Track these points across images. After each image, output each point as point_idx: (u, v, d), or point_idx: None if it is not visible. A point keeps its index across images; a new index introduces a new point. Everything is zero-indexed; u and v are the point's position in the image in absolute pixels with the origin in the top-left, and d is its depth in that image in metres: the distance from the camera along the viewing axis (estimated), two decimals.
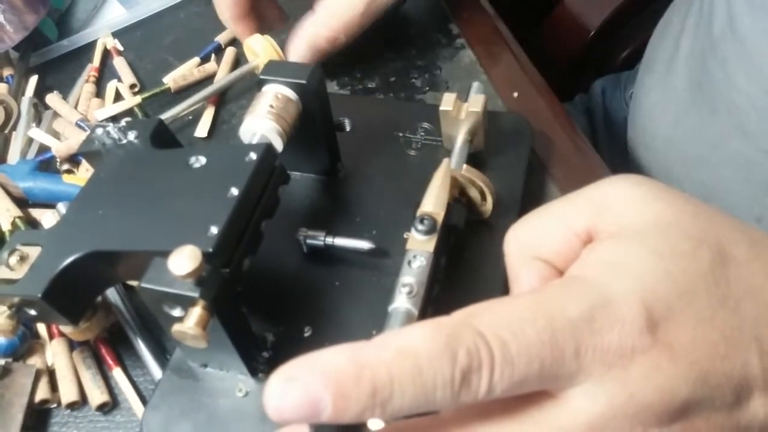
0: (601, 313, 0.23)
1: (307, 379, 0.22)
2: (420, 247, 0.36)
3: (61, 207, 0.47)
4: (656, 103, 0.62)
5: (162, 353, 0.42)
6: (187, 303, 0.32)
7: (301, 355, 0.23)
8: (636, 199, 0.27)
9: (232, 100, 0.56)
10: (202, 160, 0.37)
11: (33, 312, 0.36)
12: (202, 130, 0.53)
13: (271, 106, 0.39)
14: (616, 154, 0.73)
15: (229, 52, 0.58)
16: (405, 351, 0.22)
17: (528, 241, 0.30)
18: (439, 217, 0.37)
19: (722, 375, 0.23)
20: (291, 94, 0.40)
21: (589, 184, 0.29)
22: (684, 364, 0.23)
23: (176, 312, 0.33)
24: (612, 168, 0.70)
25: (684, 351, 0.23)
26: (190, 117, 0.55)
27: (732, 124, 0.51)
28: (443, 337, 0.22)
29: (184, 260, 0.30)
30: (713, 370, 0.23)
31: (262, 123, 0.39)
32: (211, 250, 0.32)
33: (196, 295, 0.31)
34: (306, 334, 0.39)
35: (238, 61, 0.59)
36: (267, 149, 0.37)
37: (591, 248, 0.27)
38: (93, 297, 0.39)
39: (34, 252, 0.37)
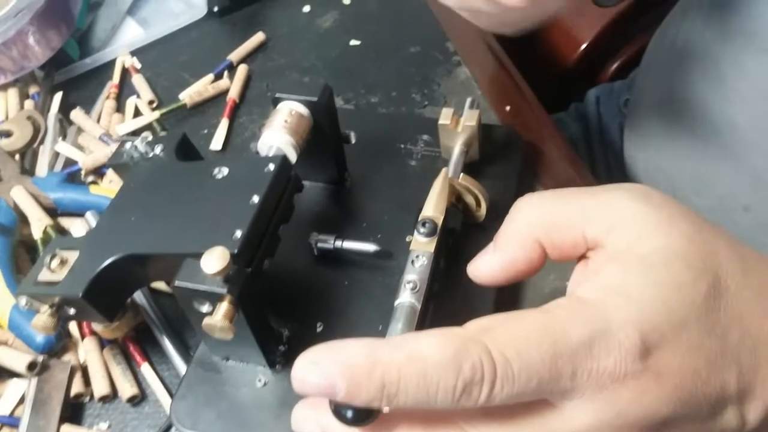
0: (600, 340, 0.26)
1: (328, 365, 0.26)
2: (422, 247, 0.40)
3: (89, 216, 0.51)
4: (653, 105, 0.65)
5: (186, 350, 0.46)
6: (215, 299, 0.36)
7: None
8: (650, 222, 0.29)
9: (244, 114, 0.60)
10: (225, 171, 0.41)
11: (72, 311, 0.40)
12: (217, 143, 0.57)
13: (286, 121, 0.43)
14: (611, 157, 0.77)
15: (241, 69, 0.62)
16: (416, 356, 0.25)
17: (539, 224, 0.31)
18: (439, 221, 0.41)
19: (702, 396, 0.27)
20: (303, 110, 0.44)
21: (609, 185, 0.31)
22: (669, 388, 0.26)
23: (205, 308, 0.37)
24: (606, 168, 0.74)
25: (670, 376, 0.26)
26: (205, 131, 0.59)
27: (724, 120, 0.55)
28: (452, 348, 0.25)
29: (214, 260, 0.34)
30: (694, 392, 0.26)
31: (278, 137, 0.43)
32: (236, 251, 0.36)
33: (224, 291, 0.35)
34: (318, 330, 0.43)
35: (249, 77, 0.63)
36: (283, 161, 0.41)
37: (600, 269, 0.29)
38: (126, 296, 0.43)
39: (72, 256, 0.41)
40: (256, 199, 0.38)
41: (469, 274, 0.34)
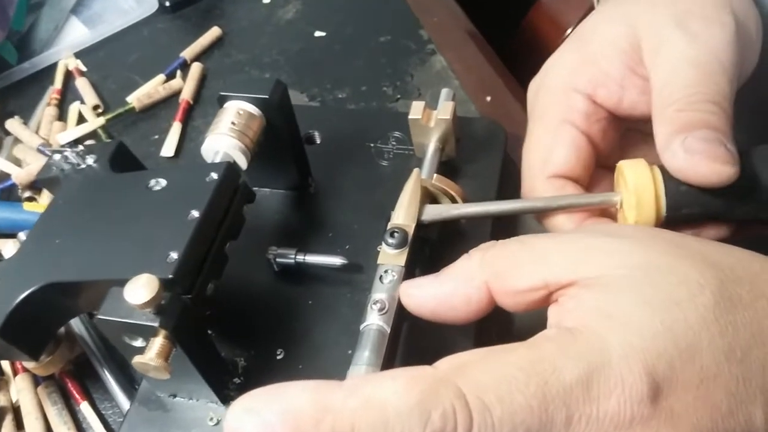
0: (599, 377, 0.21)
1: (266, 414, 0.21)
2: (391, 261, 0.35)
3: (23, 236, 0.45)
4: None
5: (130, 384, 0.41)
6: (147, 333, 0.30)
7: (271, 383, 0.23)
8: (623, 245, 0.25)
9: (199, 117, 0.55)
10: (162, 182, 0.36)
11: None
12: (168, 149, 0.52)
13: (233, 123, 0.38)
14: None
15: (195, 68, 0.57)
16: (374, 402, 0.21)
17: (493, 266, 0.28)
18: (410, 230, 0.36)
19: None
20: (253, 109, 0.39)
21: None
22: (684, 429, 0.22)
23: (138, 342, 0.31)
24: None
25: (685, 414, 0.22)
26: (156, 136, 0.53)
27: None
28: (418, 393, 0.21)
29: (140, 289, 0.29)
30: (715, 430, 0.22)
31: (224, 140, 0.37)
32: (170, 276, 0.31)
33: (155, 324, 0.30)
34: (278, 357, 0.38)
35: (205, 76, 0.58)
36: (228, 168, 0.35)
37: (578, 296, 0.25)
38: (54, 330, 0.38)
39: None
40: (195, 214, 0.33)
41: (400, 294, 0.31)
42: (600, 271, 0.25)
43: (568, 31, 0.84)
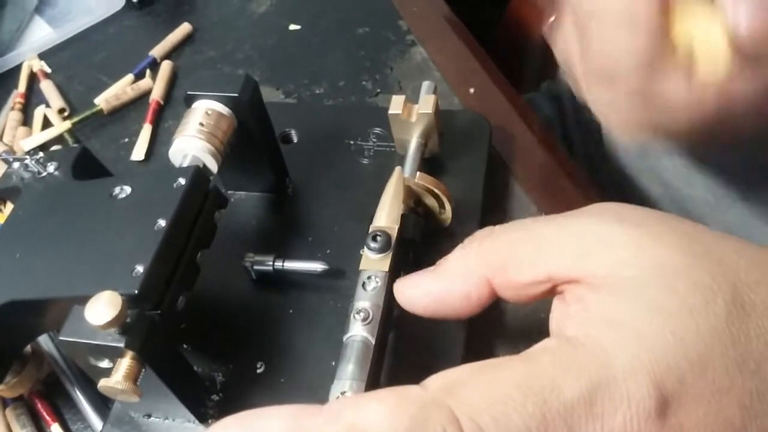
0: (603, 393, 0.20)
1: None
2: (374, 266, 0.33)
3: None
4: None
5: (104, 403, 0.38)
6: (113, 354, 0.28)
7: (251, 398, 0.21)
8: (631, 242, 0.23)
9: (171, 118, 0.52)
10: (127, 189, 0.34)
11: None
12: (138, 152, 0.49)
13: (201, 124, 0.36)
14: (589, 140, 0.71)
15: (165, 66, 0.54)
16: (357, 430, 0.19)
17: (493, 259, 0.26)
18: (393, 232, 0.34)
19: None
20: (222, 108, 0.37)
21: (567, 203, 0.26)
22: None
23: (104, 363, 0.30)
24: (586, 154, 0.68)
25: (695, 430, 0.20)
26: (126, 139, 0.51)
27: None
28: (407, 417, 0.19)
29: (102, 308, 0.27)
30: None
31: (191, 143, 0.35)
32: (136, 292, 0.28)
33: (120, 345, 0.28)
34: (259, 371, 0.36)
35: (175, 75, 0.55)
36: (197, 172, 0.33)
37: (584, 300, 0.23)
38: (18, 350, 0.35)
39: None
40: (162, 222, 0.31)
41: (394, 291, 0.30)
42: (608, 269, 0.23)
43: (552, 18, 0.82)
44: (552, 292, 0.25)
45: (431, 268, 0.29)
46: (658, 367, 0.20)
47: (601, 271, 0.23)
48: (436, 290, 0.28)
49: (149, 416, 0.35)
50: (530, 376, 0.20)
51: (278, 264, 0.38)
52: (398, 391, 0.21)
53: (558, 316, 0.25)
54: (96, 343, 0.28)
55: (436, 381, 0.21)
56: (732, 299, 0.21)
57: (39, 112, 0.53)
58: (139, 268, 0.29)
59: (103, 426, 0.36)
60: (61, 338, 0.28)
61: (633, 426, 0.20)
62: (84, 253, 0.32)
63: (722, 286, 0.21)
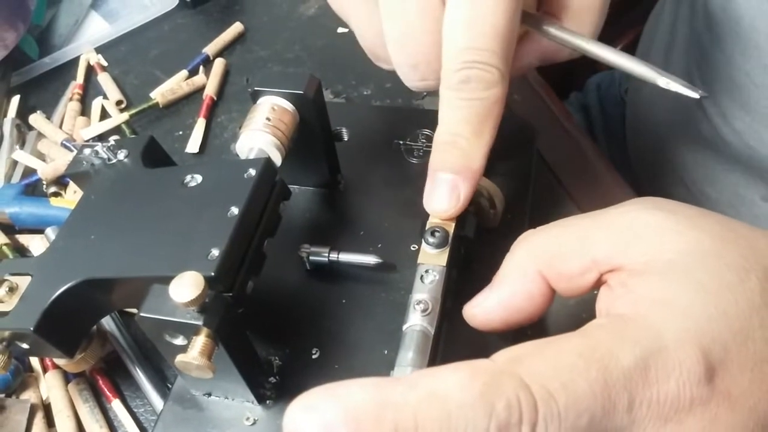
0: (656, 360, 0.22)
1: (326, 411, 0.21)
2: (432, 261, 0.34)
3: (50, 232, 0.45)
4: (655, 92, 0.61)
5: (162, 382, 0.40)
6: (190, 331, 0.30)
7: (307, 382, 0.23)
8: (667, 228, 0.25)
9: (223, 113, 0.54)
10: (198, 178, 0.35)
11: (25, 345, 0.34)
12: (193, 145, 0.51)
13: (268, 119, 0.37)
14: (615, 150, 0.72)
15: (218, 63, 0.56)
16: (435, 395, 0.21)
17: (541, 254, 0.28)
18: (451, 228, 0.35)
19: None
20: (287, 105, 0.38)
21: (609, 205, 0.28)
22: (742, 412, 0.22)
23: (179, 341, 0.31)
24: (612, 161, 0.69)
25: (742, 397, 0.22)
26: (180, 132, 0.53)
27: (733, 103, 0.50)
28: (480, 384, 0.21)
29: (186, 287, 0.28)
30: None
31: (259, 137, 0.37)
32: (213, 274, 0.30)
33: (199, 323, 0.29)
34: (314, 356, 0.37)
35: (227, 72, 0.57)
36: (266, 164, 0.35)
37: (629, 284, 0.25)
38: (88, 327, 0.37)
39: (23, 282, 0.35)
40: (235, 210, 0.33)
41: (464, 315, 0.31)
42: (649, 255, 0.25)
43: None
44: (599, 283, 0.27)
45: (488, 285, 0.30)
46: (704, 338, 0.22)
47: (642, 257, 0.25)
48: (502, 298, 0.29)
49: (209, 395, 0.37)
50: (590, 346, 0.22)
51: (333, 255, 0.40)
52: (471, 362, 0.22)
53: (605, 300, 0.27)
54: (176, 320, 0.30)
55: (502, 355, 0.23)
56: (765, 277, 0.23)
57: (97, 103, 0.55)
58: (215, 252, 0.31)
59: (165, 403, 0.37)
60: (141, 314, 0.30)
61: (685, 390, 0.21)
62: (159, 236, 0.34)
63: (754, 266, 0.23)
